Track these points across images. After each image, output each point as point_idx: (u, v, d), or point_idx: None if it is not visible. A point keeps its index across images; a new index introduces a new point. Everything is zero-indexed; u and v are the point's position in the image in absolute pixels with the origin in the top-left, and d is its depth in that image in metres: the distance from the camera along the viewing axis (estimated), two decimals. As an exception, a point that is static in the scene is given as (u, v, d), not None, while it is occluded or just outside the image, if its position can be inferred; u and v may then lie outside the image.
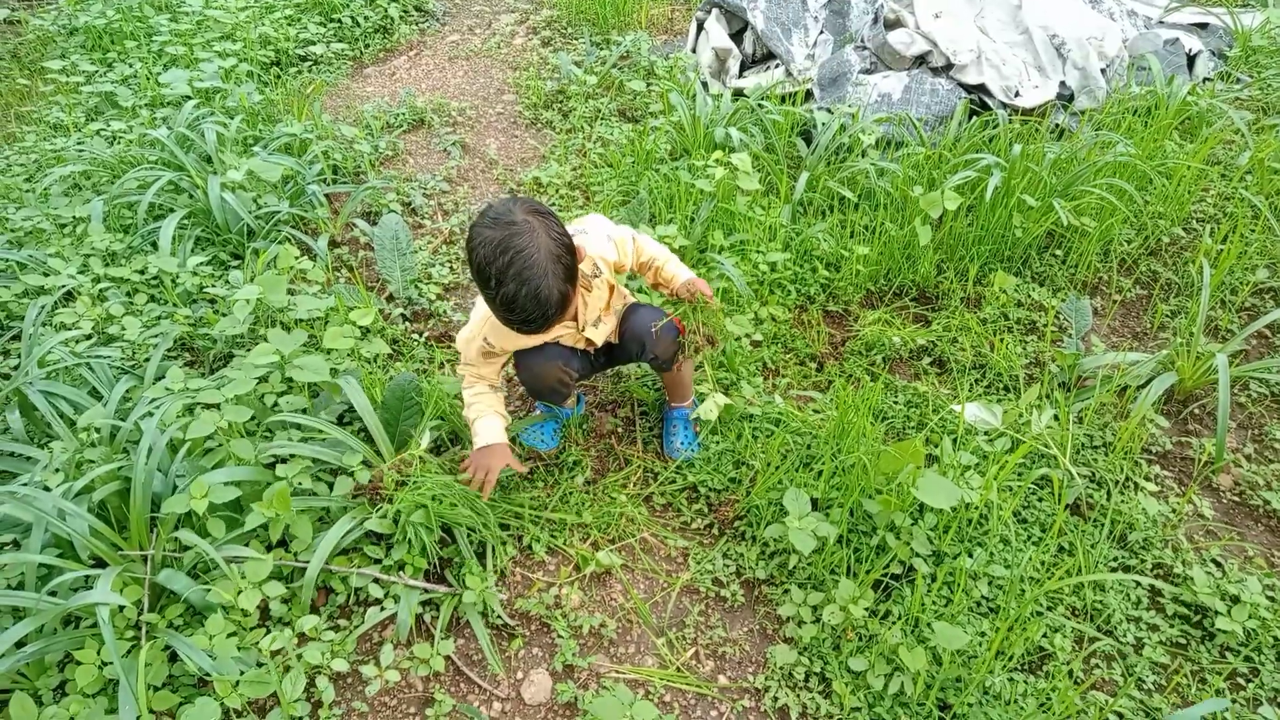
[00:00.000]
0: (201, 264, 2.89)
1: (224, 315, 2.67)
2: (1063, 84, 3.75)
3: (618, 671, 1.95)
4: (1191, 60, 4.10)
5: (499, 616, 2.03)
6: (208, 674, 1.78)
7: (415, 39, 4.71)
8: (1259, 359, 2.67)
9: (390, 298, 2.89)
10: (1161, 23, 4.38)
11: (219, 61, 4.01)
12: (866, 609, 1.95)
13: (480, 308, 2.09)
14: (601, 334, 2.22)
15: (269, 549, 2.06)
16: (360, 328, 2.63)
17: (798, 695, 1.88)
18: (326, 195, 3.32)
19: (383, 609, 2.01)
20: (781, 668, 1.93)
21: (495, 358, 2.17)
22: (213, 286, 2.79)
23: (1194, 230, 3.13)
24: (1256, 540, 2.21)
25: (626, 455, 2.43)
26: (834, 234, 3.05)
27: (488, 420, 2.16)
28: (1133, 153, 3.15)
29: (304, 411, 2.26)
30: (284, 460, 2.14)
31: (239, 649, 1.88)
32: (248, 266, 2.90)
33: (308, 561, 2.02)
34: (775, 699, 1.88)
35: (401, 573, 2.05)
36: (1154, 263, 3.03)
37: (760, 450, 2.36)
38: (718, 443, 2.41)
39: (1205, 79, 4.03)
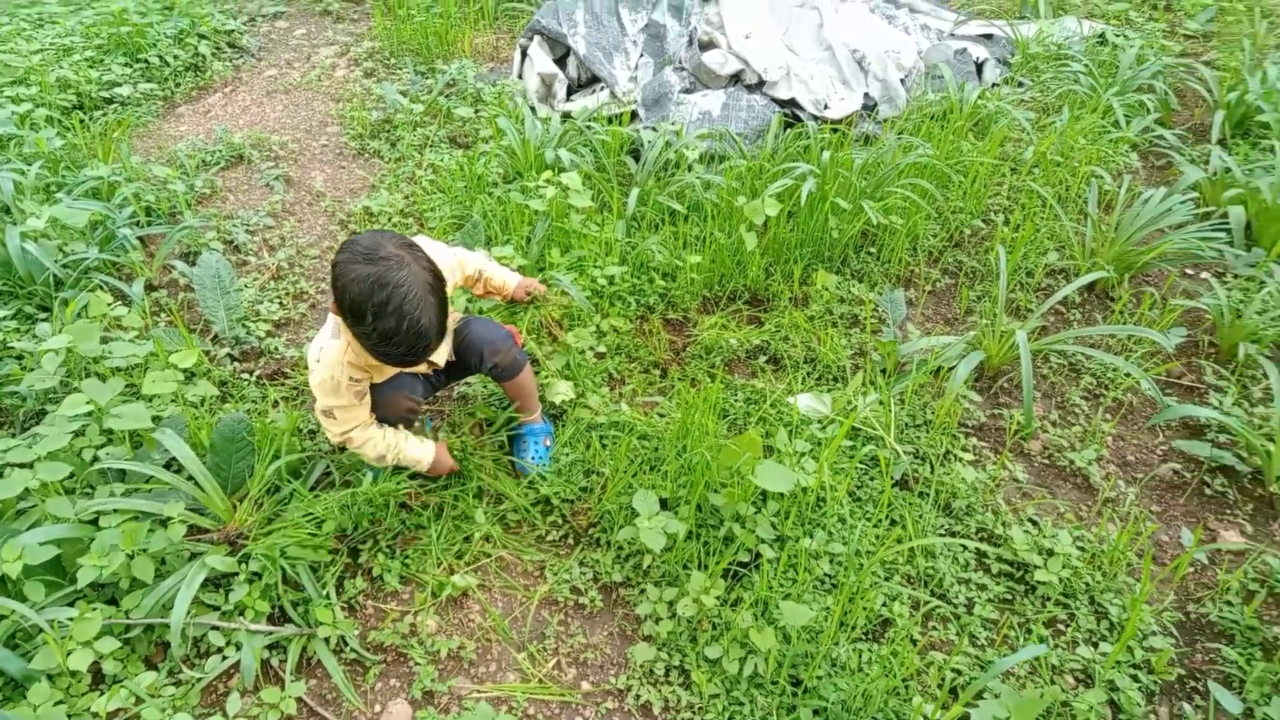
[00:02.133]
0: (4, 319, 2.68)
1: (31, 370, 2.48)
2: (866, 95, 4.02)
3: (479, 691, 1.92)
4: (979, 68, 4.48)
5: (353, 650, 1.96)
6: (27, 751, 1.64)
7: (230, 75, 4.54)
8: (1056, 333, 2.93)
9: (215, 338, 2.76)
10: (952, 35, 4.76)
11: (12, 107, 3.74)
12: (718, 598, 2.01)
13: (330, 351, 1.95)
14: (443, 354, 2.21)
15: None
16: (183, 371, 2.50)
17: (659, 690, 1.92)
18: (140, 238, 3.14)
19: (225, 657, 1.91)
20: (642, 665, 1.96)
21: (365, 394, 2.08)
22: (18, 341, 2.59)
23: (991, 221, 3.42)
24: (1066, 497, 2.42)
25: (479, 476, 2.41)
26: (667, 245, 3.15)
27: (409, 442, 2.16)
28: (932, 154, 3.41)
29: (129, 461, 2.13)
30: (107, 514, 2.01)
31: (69, 716, 1.75)
32: (56, 318, 2.71)
33: (142, 619, 1.90)
34: (638, 697, 1.91)
35: (242, 617, 1.95)
36: (958, 253, 3.29)
37: (609, 457, 2.39)
38: (568, 454, 2.43)
39: (993, 84, 4.41)
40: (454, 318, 2.29)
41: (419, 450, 2.18)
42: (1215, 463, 2.48)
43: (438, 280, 1.81)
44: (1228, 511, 2.38)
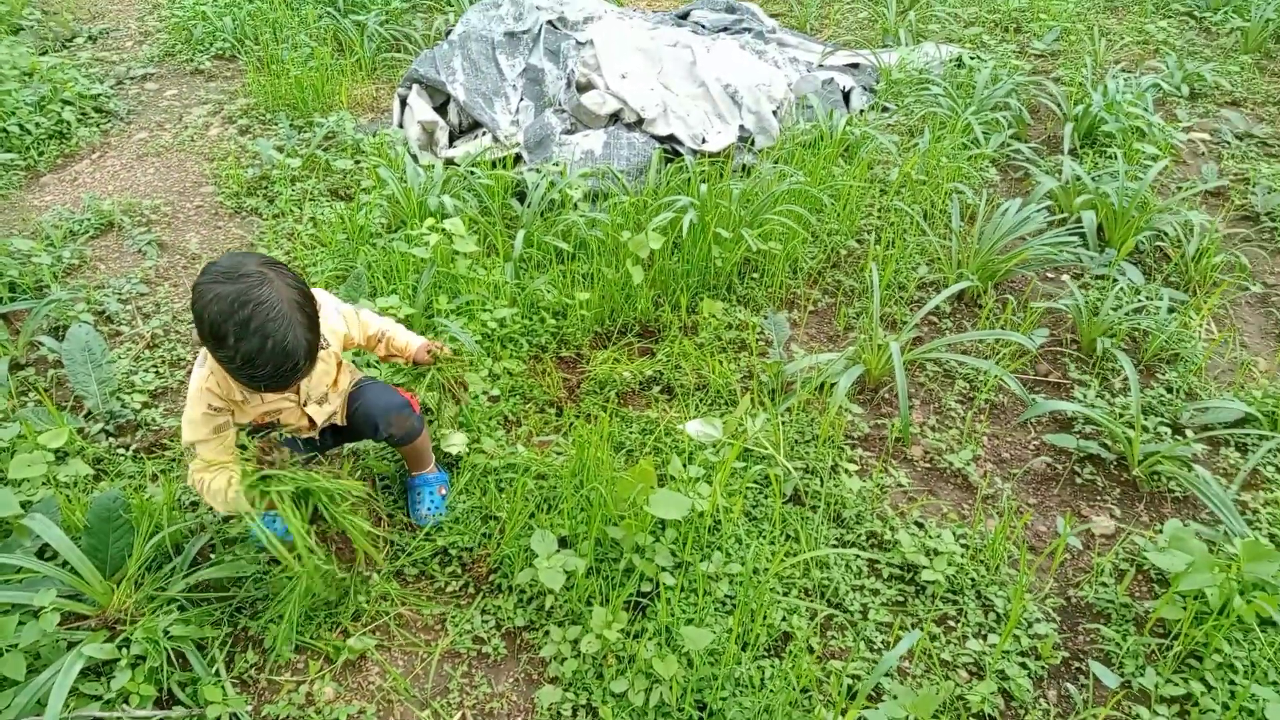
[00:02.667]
0: None
1: (-120, 464, 2.34)
2: (742, 127, 4.16)
3: (383, 754, 1.88)
4: (847, 96, 4.68)
5: (246, 727, 1.90)
6: None
7: (98, 141, 4.40)
8: (930, 342, 3.06)
9: (89, 414, 2.65)
10: (820, 66, 4.97)
11: None
12: (621, 631, 2.02)
13: (193, 379, 1.89)
14: (324, 413, 2.17)
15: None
16: (54, 451, 2.39)
17: (567, 731, 1.91)
18: (4, 315, 3.00)
19: (107, 750, 1.82)
20: (549, 709, 1.95)
21: (225, 430, 1.94)
22: None
23: (864, 240, 3.56)
24: (947, 498, 2.52)
25: (371, 532, 2.37)
26: (556, 284, 3.18)
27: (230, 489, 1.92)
28: (805, 180, 3.55)
29: (-12, 553, 2.02)
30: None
31: (-72, 838, 1.63)
32: (-92, 406, 2.56)
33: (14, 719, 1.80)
34: (546, 740, 1.90)
35: (126, 705, 1.87)
36: (836, 273, 3.41)
37: (506, 501, 2.39)
38: (464, 501, 2.41)
39: (860, 111, 4.62)
40: (353, 377, 2.25)
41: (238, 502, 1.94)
42: (1083, 453, 2.62)
43: (305, 298, 1.73)
44: (1097, 498, 2.51)
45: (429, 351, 2.37)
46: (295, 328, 1.67)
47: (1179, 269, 3.40)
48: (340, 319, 2.13)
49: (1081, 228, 3.48)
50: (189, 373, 2.84)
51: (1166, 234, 3.49)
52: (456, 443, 2.51)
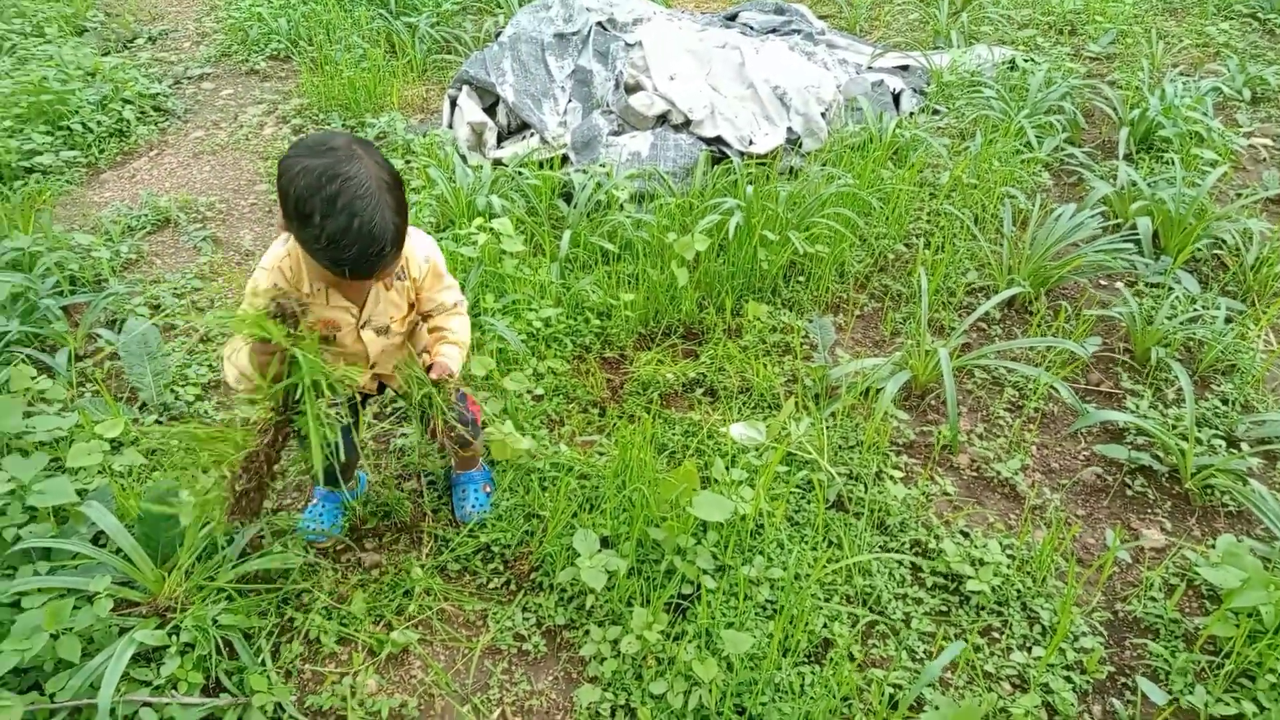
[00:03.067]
0: (-83, 399, 2.61)
1: (-52, 450, 2.42)
2: (789, 129, 4.13)
3: (423, 747, 1.90)
4: (897, 98, 4.63)
5: (290, 717, 1.93)
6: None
7: (156, 139, 4.52)
8: (979, 349, 3.02)
9: (143, 406, 2.72)
10: (869, 68, 4.92)
11: (-74, 181, 3.68)
12: (662, 632, 2.02)
13: (267, 256, 1.80)
14: (379, 346, 1.98)
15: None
16: (110, 441, 2.46)
17: (605, 731, 1.91)
18: (64, 308, 3.09)
19: (158, 734, 1.86)
20: (588, 708, 1.96)
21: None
22: (-67, 421, 2.52)
23: (913, 245, 3.52)
24: (994, 507, 2.48)
25: (416, 527, 2.40)
26: (601, 285, 3.19)
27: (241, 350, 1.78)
28: (853, 183, 3.52)
29: (53, 538, 2.08)
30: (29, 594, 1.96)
31: (-11, 813, 1.69)
32: (-26, 394, 2.64)
33: (65, 702, 1.85)
34: (584, 740, 1.90)
35: (175, 691, 1.91)
36: (883, 278, 3.37)
37: (549, 500, 2.40)
38: (507, 499, 2.43)
39: (910, 113, 4.56)
40: (421, 344, 2.08)
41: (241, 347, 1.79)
42: (1134, 464, 2.56)
43: (395, 180, 1.63)
44: (1148, 511, 2.46)
45: (435, 370, 2.01)
46: (384, 209, 1.57)
47: (1237, 278, 3.31)
48: (428, 258, 1.94)
49: (1136, 235, 3.41)
50: (241, 366, 2.90)
51: (1225, 242, 3.40)
52: (510, 442, 2.47)
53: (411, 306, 2.01)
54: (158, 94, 4.81)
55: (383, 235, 1.57)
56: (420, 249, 1.93)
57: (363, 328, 1.92)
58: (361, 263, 1.59)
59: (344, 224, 1.53)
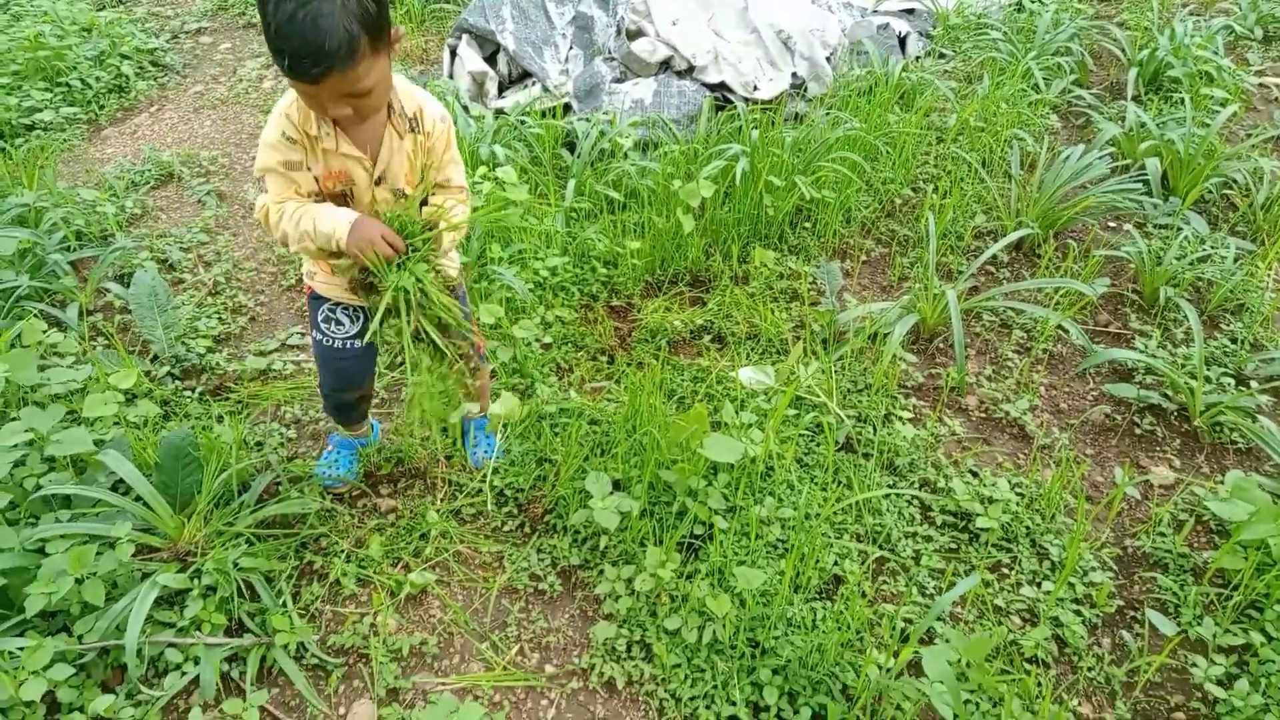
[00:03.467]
0: (-70, 354, 2.63)
1: (-36, 403, 2.44)
2: (794, 74, 4.08)
3: (444, 684, 1.94)
4: (903, 41, 4.57)
5: (314, 656, 1.97)
6: (-15, 781, 1.62)
7: (155, 94, 4.47)
8: (987, 291, 3.02)
9: (155, 358, 2.73)
10: (875, 11, 4.85)
11: (-75, 138, 3.66)
12: (675, 571, 2.05)
13: (280, 103, 1.74)
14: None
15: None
16: (124, 392, 2.47)
17: (622, 666, 1.95)
18: (72, 263, 3.09)
19: (184, 674, 1.90)
20: (604, 643, 1.99)
21: (296, 171, 1.76)
22: (-53, 376, 2.54)
23: (920, 189, 3.50)
24: (1003, 447, 2.50)
25: (430, 473, 2.42)
26: (607, 233, 3.18)
27: (325, 210, 1.74)
28: (860, 128, 3.49)
29: (74, 486, 2.11)
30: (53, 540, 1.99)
31: (24, 748, 1.73)
32: (-13, 349, 2.66)
33: (93, 643, 1.89)
34: (601, 674, 1.94)
35: (199, 632, 1.95)
36: (890, 222, 3.36)
37: (561, 444, 2.42)
38: (519, 444, 2.45)
39: (916, 57, 4.51)
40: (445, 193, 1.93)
41: (334, 215, 1.73)
42: (1143, 403, 2.58)
43: None
44: (1157, 448, 2.47)
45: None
46: (339, 10, 1.47)
47: (1246, 218, 3.29)
48: (444, 118, 1.85)
49: (1145, 175, 3.38)
50: (251, 319, 2.92)
51: (1235, 182, 3.38)
52: (505, 406, 2.52)
53: (422, 173, 1.88)
54: (155, 49, 4.76)
55: (328, 33, 1.47)
56: (433, 108, 1.84)
57: (378, 184, 1.82)
58: (301, 60, 1.49)
59: (290, 11, 1.46)
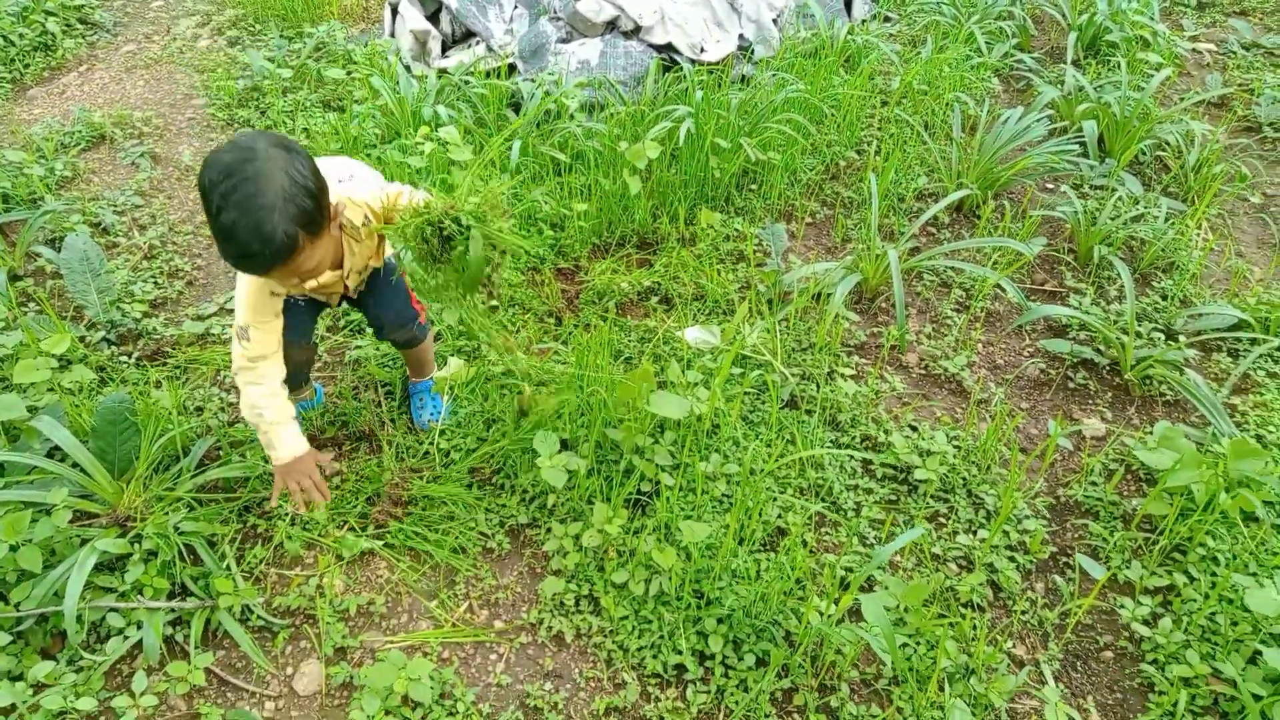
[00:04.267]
0: None
1: (-115, 371, 2.36)
2: (741, 36, 4.07)
3: (391, 642, 1.95)
4: (849, 4, 4.58)
5: (260, 618, 1.96)
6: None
7: (84, 53, 4.31)
8: (928, 250, 3.07)
9: (90, 324, 2.66)
10: (821, -24, 4.84)
11: None
12: (622, 527, 2.07)
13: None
14: (359, 281, 2.12)
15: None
16: (57, 358, 2.41)
17: (570, 620, 1.97)
18: (-1, 227, 2.99)
19: (126, 638, 1.88)
20: (552, 598, 2.02)
21: (279, 309, 1.93)
22: None
23: (864, 152, 3.53)
24: (941, 402, 2.56)
25: (375, 436, 2.40)
26: (553, 196, 3.16)
27: (285, 429, 1.98)
28: (805, 89, 3.50)
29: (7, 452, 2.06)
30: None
31: (-42, 718, 1.70)
32: (-90, 316, 2.57)
33: (31, 610, 1.85)
34: (550, 629, 1.96)
35: (141, 596, 1.92)
36: (835, 185, 3.39)
37: (507, 405, 2.42)
38: (465, 406, 2.44)
39: (862, 20, 4.52)
40: (385, 250, 2.12)
41: (286, 440, 1.99)
42: (1076, 358, 2.65)
43: (307, 194, 1.62)
44: (1089, 401, 2.55)
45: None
46: (276, 216, 1.57)
47: (1178, 179, 3.38)
48: (382, 191, 1.94)
49: (1082, 138, 3.45)
50: (188, 283, 2.85)
51: (1168, 144, 3.47)
52: (452, 369, 2.53)
53: (381, 240, 2.04)
54: (83, 5, 4.58)
55: (268, 240, 1.57)
56: (368, 192, 1.90)
57: (347, 277, 2.01)
58: (244, 261, 1.62)
59: (232, 221, 1.55)
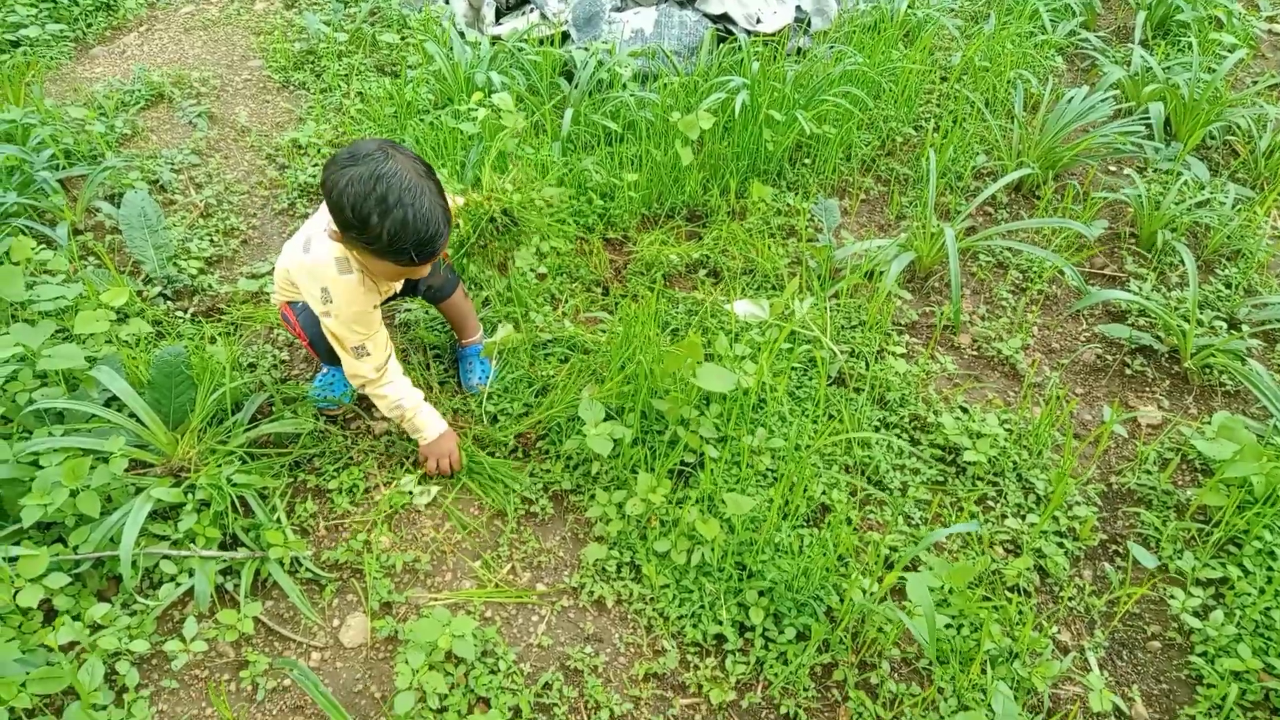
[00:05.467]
0: (-83, 268, 2.60)
1: (-47, 318, 2.43)
2: (798, 8, 4.00)
3: (436, 599, 1.97)
4: (908, -20, 4.47)
5: (308, 570, 2.00)
6: (-16, 680, 1.65)
7: (145, 14, 4.36)
8: (984, 230, 3.01)
9: (147, 279, 2.71)
10: (881, -51, 4.73)
11: (-92, 52, 3.57)
12: (665, 497, 2.07)
13: (346, 286, 1.89)
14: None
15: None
16: (115, 310, 2.46)
17: (611, 586, 1.99)
18: (61, 181, 3.04)
19: (178, 585, 1.93)
20: (594, 564, 2.03)
21: (382, 325, 2.04)
22: (-65, 290, 2.51)
23: (922, 128, 3.46)
24: (993, 385, 2.51)
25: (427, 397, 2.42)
26: (604, 165, 3.14)
27: (425, 411, 2.12)
28: (863, 63, 3.43)
29: (67, 400, 2.11)
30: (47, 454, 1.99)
31: (23, 652, 1.76)
32: (-24, 266, 2.63)
33: (88, 554, 1.91)
34: (591, 593, 1.98)
35: (193, 545, 1.97)
36: (890, 161, 3.33)
37: (554, 371, 2.42)
38: (512, 372, 2.45)
39: (922, -4, 4.41)
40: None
41: (430, 420, 2.13)
42: (1135, 344, 2.59)
43: (427, 168, 1.77)
44: (1146, 389, 2.49)
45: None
46: (429, 195, 1.71)
47: (1247, 165, 3.27)
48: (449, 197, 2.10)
49: (1148, 119, 3.35)
50: (243, 241, 2.89)
51: (1239, 128, 3.35)
52: (503, 334, 2.52)
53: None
54: (143, -34, 4.62)
55: (435, 219, 1.71)
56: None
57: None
58: (423, 248, 1.73)
59: (401, 217, 1.67)
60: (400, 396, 2.07)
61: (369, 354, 1.99)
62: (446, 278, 2.29)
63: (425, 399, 2.15)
